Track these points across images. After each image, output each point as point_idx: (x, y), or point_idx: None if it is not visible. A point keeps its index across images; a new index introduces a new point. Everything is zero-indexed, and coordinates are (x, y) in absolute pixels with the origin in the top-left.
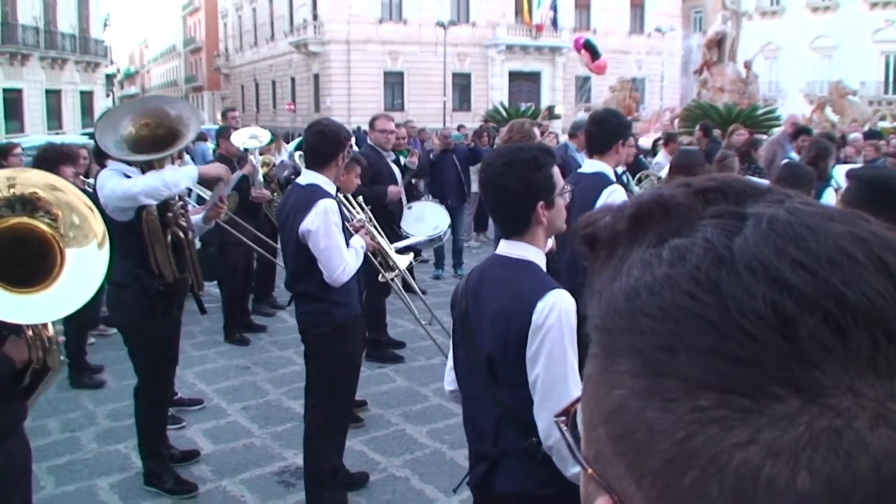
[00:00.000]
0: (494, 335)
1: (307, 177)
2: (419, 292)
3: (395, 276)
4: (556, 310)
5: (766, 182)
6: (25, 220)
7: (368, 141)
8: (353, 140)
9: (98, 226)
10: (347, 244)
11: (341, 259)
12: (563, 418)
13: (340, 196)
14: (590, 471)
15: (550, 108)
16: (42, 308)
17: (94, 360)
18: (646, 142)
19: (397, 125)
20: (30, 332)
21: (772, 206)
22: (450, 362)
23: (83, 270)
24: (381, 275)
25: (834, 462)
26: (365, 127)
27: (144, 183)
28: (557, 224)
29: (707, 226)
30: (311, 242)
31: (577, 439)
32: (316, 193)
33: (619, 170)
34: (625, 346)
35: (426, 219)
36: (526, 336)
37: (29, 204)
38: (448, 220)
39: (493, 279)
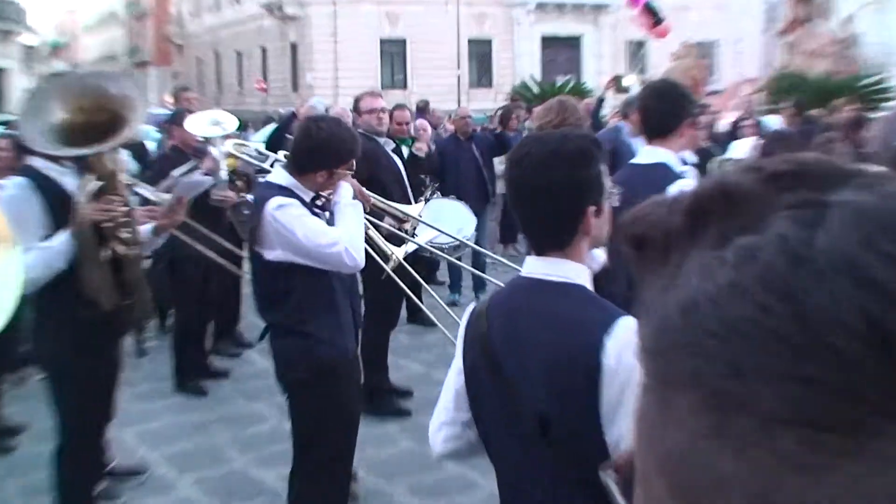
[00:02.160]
0: (549, 390)
1: (276, 175)
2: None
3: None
4: (631, 345)
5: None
6: None
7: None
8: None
9: (3, 225)
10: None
11: (332, 239)
12: (611, 472)
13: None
14: None
15: (618, 79)
16: None
17: (10, 416)
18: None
19: (398, 106)
20: None
21: (861, 190)
22: (442, 414)
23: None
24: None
25: None
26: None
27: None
28: (603, 235)
29: (781, 218)
30: (286, 256)
31: (631, 496)
32: (265, 193)
33: (689, 158)
34: (683, 375)
35: (444, 220)
36: (594, 385)
37: None
38: (474, 223)
39: (534, 313)
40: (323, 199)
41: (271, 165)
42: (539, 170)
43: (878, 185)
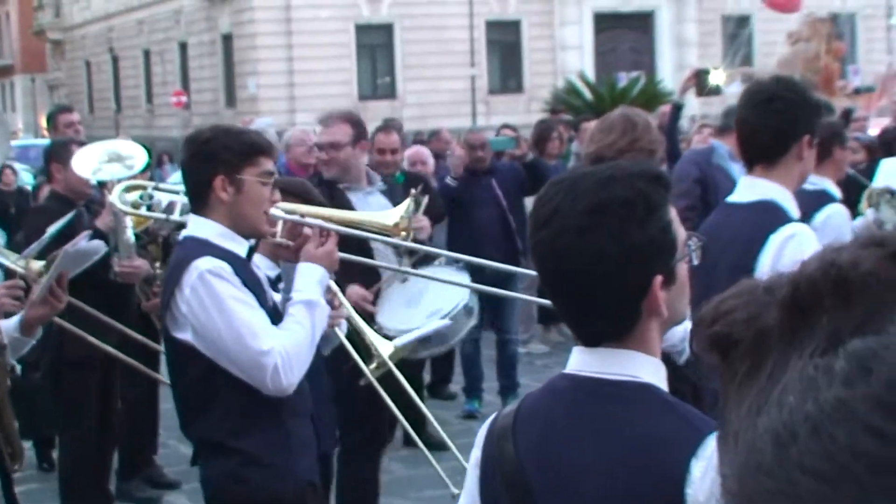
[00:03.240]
0: None
1: (197, 226)
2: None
3: (377, 369)
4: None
5: None
6: None
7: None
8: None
9: None
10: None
11: (260, 346)
12: None
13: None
14: None
15: (701, 74)
16: None
17: None
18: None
19: (383, 126)
20: None
21: None
22: None
23: None
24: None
25: None
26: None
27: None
28: (680, 311)
29: None
30: (197, 342)
31: None
32: (185, 252)
33: (833, 190)
34: None
35: (422, 300)
36: None
37: None
38: (464, 297)
39: (585, 427)
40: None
41: None
42: (575, 234)
43: None
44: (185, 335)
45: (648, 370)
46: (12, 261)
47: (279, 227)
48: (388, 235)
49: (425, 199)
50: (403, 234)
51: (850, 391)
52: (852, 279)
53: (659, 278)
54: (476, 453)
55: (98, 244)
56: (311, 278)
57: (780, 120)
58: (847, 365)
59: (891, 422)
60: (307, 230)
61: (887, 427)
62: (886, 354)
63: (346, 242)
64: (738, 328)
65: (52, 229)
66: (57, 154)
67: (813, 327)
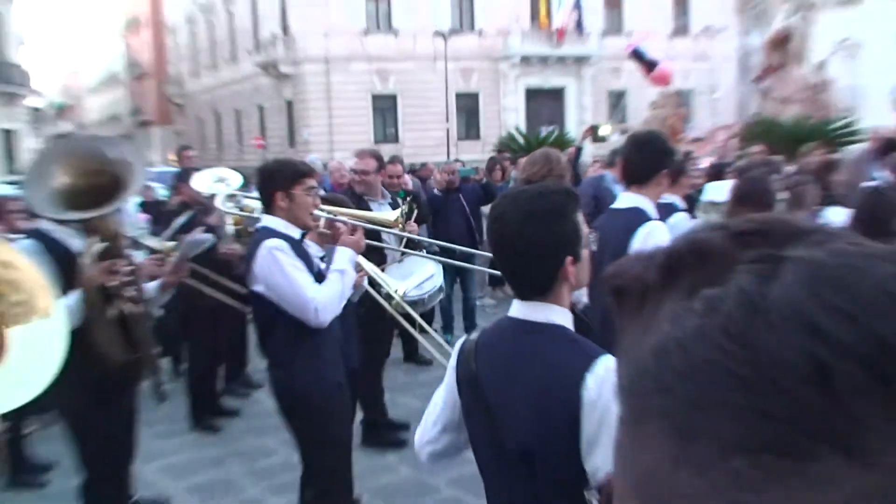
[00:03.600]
0: (531, 424)
1: (266, 220)
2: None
3: (394, 303)
4: (611, 382)
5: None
6: None
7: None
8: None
9: (45, 295)
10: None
11: (307, 296)
12: (596, 494)
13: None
14: None
15: (594, 128)
16: None
17: (40, 454)
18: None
19: (391, 160)
20: None
21: (813, 247)
22: (432, 430)
23: (34, 351)
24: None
25: None
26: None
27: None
28: (582, 279)
29: (742, 272)
30: (267, 292)
31: None
32: (261, 236)
33: (678, 203)
34: (654, 408)
35: (413, 275)
36: (575, 421)
37: None
38: (440, 279)
39: (519, 352)
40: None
41: None
42: (517, 228)
43: (829, 243)
44: (258, 288)
45: (560, 317)
46: (156, 243)
47: (321, 222)
48: (389, 228)
49: (415, 209)
50: (399, 227)
51: (703, 322)
52: (706, 249)
53: (570, 258)
54: (452, 362)
55: (208, 236)
56: (344, 256)
57: (649, 157)
58: (701, 305)
59: (729, 341)
60: (339, 224)
61: (726, 345)
62: (725, 297)
63: (366, 233)
64: (629, 281)
65: (177, 222)
66: (183, 176)
67: (679, 281)
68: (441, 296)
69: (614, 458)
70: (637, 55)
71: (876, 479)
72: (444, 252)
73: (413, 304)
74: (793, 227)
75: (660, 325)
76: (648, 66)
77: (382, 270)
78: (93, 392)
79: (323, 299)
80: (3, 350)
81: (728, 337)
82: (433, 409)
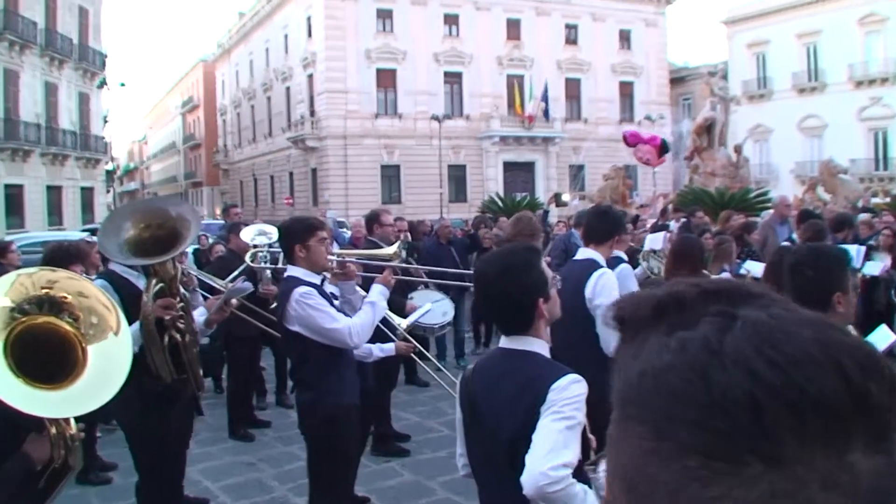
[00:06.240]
0: (515, 420)
1: (291, 271)
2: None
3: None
4: (571, 387)
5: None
6: (51, 319)
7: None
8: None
9: (113, 318)
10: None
11: (342, 325)
12: (591, 466)
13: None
14: None
15: (557, 196)
16: (68, 403)
17: (106, 456)
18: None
19: (397, 217)
20: (53, 430)
21: (759, 310)
22: (460, 448)
23: (107, 364)
24: (398, 330)
25: None
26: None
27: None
28: (555, 312)
29: (706, 323)
30: (303, 331)
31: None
32: (289, 285)
33: (623, 257)
34: (635, 415)
35: (432, 307)
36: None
37: (56, 306)
38: (453, 307)
39: (505, 371)
40: (327, 278)
41: None
42: (496, 282)
43: (771, 307)
44: (294, 327)
45: (537, 346)
46: (212, 280)
47: (334, 263)
48: (389, 260)
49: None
50: (397, 259)
51: (675, 357)
52: (684, 300)
53: (541, 299)
54: (458, 387)
55: (248, 285)
56: (376, 290)
57: (607, 224)
58: (676, 343)
59: (692, 374)
60: (349, 264)
61: (691, 376)
62: (693, 340)
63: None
64: (628, 313)
65: (228, 279)
66: (233, 229)
67: (663, 321)
68: (448, 328)
69: (607, 447)
70: (663, 144)
71: (787, 483)
72: (436, 279)
73: (423, 330)
74: (746, 292)
75: (647, 352)
76: (662, 152)
77: (411, 298)
78: (147, 405)
79: (358, 325)
80: (85, 364)
81: (692, 371)
82: (459, 437)
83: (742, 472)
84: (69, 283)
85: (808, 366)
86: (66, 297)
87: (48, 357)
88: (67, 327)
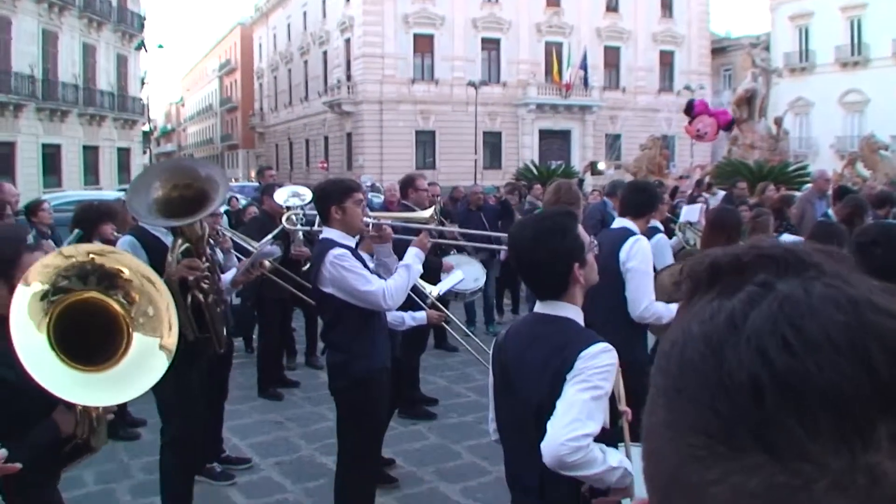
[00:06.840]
0: (542, 385)
1: (326, 233)
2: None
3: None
4: (601, 356)
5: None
6: (97, 295)
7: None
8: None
9: (166, 325)
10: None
11: (376, 287)
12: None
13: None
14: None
15: (593, 164)
16: (99, 390)
17: (135, 412)
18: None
19: (431, 183)
20: (79, 407)
21: (803, 282)
22: (491, 413)
23: (145, 360)
24: (428, 298)
25: None
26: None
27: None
28: (592, 278)
29: (744, 293)
30: (337, 293)
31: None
32: (324, 246)
33: (660, 226)
34: (660, 384)
35: (463, 272)
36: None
37: (107, 279)
38: (484, 273)
39: (536, 336)
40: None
41: None
42: (531, 246)
43: (816, 280)
44: (328, 289)
45: (571, 312)
46: (244, 240)
47: (370, 225)
48: (426, 223)
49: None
50: (433, 223)
51: (702, 327)
52: (738, 264)
53: (577, 264)
54: (491, 352)
55: (276, 248)
56: (412, 252)
57: (644, 199)
58: (711, 311)
59: (708, 348)
60: (385, 226)
61: (705, 350)
62: (721, 311)
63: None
64: (688, 274)
65: (262, 242)
66: (267, 190)
67: (716, 284)
68: (479, 294)
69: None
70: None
71: (788, 477)
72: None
73: (455, 296)
74: (801, 260)
75: (686, 319)
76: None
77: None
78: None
79: (392, 287)
80: (126, 352)
81: (708, 345)
82: (491, 402)
83: (741, 459)
84: (127, 259)
85: (824, 351)
86: (122, 273)
87: (90, 334)
88: (117, 307)
